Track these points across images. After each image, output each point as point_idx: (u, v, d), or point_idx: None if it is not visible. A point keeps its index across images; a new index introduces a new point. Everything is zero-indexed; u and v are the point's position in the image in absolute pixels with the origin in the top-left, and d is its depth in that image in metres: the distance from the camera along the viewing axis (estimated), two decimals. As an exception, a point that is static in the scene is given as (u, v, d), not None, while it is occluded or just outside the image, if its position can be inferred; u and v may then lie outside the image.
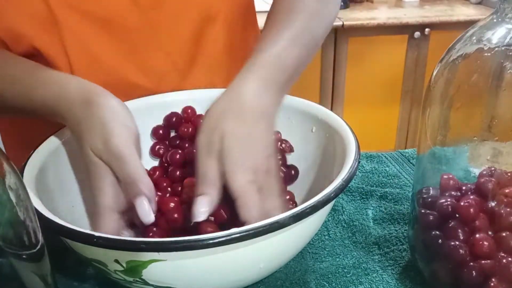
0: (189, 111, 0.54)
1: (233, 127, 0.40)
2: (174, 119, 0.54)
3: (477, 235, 0.36)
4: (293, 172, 0.51)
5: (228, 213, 0.40)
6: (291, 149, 0.52)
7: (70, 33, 0.53)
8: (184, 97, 0.56)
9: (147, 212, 0.38)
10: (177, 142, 0.53)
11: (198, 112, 0.55)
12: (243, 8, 0.63)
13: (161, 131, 0.54)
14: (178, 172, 0.50)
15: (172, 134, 0.55)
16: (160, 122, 0.54)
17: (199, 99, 0.55)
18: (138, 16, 0.55)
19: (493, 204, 0.36)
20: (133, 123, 0.42)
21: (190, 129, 0.53)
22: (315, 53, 0.53)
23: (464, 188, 0.39)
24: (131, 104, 0.51)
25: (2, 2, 0.50)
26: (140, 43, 0.57)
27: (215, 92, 0.55)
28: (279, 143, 0.52)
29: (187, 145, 0.52)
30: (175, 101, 0.55)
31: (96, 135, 0.40)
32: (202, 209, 0.38)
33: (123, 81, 0.56)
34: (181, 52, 0.59)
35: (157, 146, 0.54)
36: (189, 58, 0.60)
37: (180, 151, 0.51)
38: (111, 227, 0.39)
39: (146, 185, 0.39)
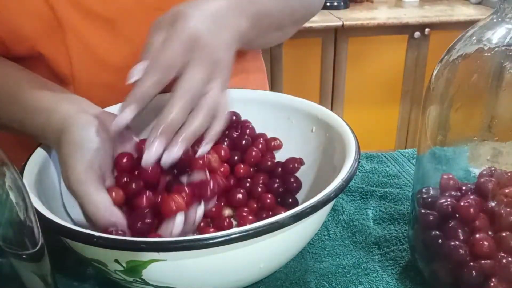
0: None
1: (191, 10, 0.42)
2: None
3: (477, 235, 0.36)
4: (295, 184, 0.51)
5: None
6: (280, 146, 0.53)
7: (73, 34, 0.53)
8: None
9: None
10: None
11: None
12: None
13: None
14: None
15: None
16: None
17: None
18: (142, 17, 0.55)
19: (493, 204, 0.36)
20: (98, 155, 0.40)
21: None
22: (285, 18, 0.55)
23: (464, 188, 0.39)
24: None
25: (3, 2, 0.50)
26: (143, 44, 0.57)
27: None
28: (271, 141, 0.52)
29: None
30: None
31: (62, 172, 0.40)
32: (138, 68, 0.40)
33: (123, 81, 0.56)
34: None
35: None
36: None
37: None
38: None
39: (107, 220, 0.38)
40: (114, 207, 0.38)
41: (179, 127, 0.39)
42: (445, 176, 0.40)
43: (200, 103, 0.40)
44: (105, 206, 0.38)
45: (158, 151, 0.39)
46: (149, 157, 0.39)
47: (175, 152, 0.39)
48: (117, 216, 0.38)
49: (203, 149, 0.41)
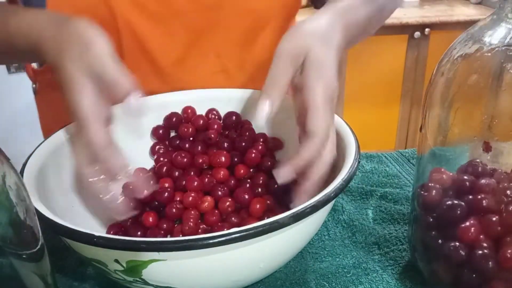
0: (189, 111, 0.54)
1: (320, 48, 0.41)
2: (174, 119, 0.54)
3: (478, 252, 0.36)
4: (278, 142, 0.53)
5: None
6: (281, 146, 0.53)
7: (127, 29, 0.54)
8: (184, 97, 0.56)
9: (138, 108, 0.39)
10: (177, 142, 0.53)
11: (198, 112, 0.55)
12: (289, 17, 0.64)
13: (161, 131, 0.54)
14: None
15: (172, 134, 0.55)
16: (160, 122, 0.54)
17: (199, 99, 0.55)
18: (196, 15, 0.56)
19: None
20: (110, 42, 0.41)
21: (190, 129, 0.53)
22: (381, 24, 0.56)
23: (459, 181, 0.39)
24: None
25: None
26: (194, 42, 0.58)
27: (216, 92, 0.56)
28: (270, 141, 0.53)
29: (187, 145, 0.52)
30: (175, 101, 0.55)
31: (74, 45, 0.40)
32: (264, 109, 0.40)
33: (172, 77, 0.57)
34: (231, 55, 0.60)
35: (157, 146, 0.54)
36: (238, 62, 0.61)
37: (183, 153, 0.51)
38: (101, 135, 0.39)
39: (131, 82, 0.39)
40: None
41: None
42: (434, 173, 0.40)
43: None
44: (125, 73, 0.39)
45: (289, 177, 0.40)
46: (282, 178, 0.40)
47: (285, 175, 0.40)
48: (134, 82, 0.39)
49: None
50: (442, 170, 0.40)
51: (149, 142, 0.54)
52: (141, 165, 0.51)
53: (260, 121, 0.40)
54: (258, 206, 0.45)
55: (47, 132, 0.67)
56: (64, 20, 0.42)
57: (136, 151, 0.52)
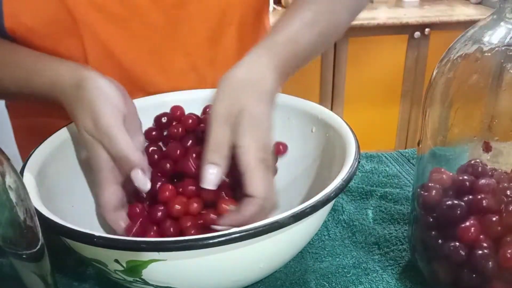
0: (178, 112, 0.53)
1: (253, 104, 0.41)
2: (164, 119, 0.52)
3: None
4: (281, 147, 0.51)
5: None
6: (285, 150, 0.52)
7: (89, 33, 0.53)
8: (184, 97, 0.56)
9: (143, 181, 0.42)
10: (170, 142, 0.53)
11: (187, 112, 0.54)
12: (257, 13, 0.64)
13: (154, 133, 0.52)
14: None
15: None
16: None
17: (200, 99, 0.55)
18: (159, 15, 0.55)
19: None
20: (120, 102, 0.43)
21: (180, 129, 0.51)
22: (334, 39, 0.54)
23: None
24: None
25: (17, 5, 0.50)
26: (160, 42, 0.57)
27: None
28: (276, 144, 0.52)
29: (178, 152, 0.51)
30: (174, 101, 0.55)
31: (86, 116, 0.42)
32: (213, 178, 0.40)
33: (141, 80, 0.57)
34: (200, 52, 0.60)
35: (151, 148, 0.51)
36: (207, 59, 0.61)
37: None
38: (112, 199, 0.42)
39: (137, 157, 0.41)
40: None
41: None
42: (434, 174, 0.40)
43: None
44: (133, 146, 0.41)
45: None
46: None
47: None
48: (141, 157, 0.42)
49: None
50: (442, 170, 0.40)
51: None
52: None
53: (211, 187, 0.40)
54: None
55: (21, 144, 0.68)
56: (80, 82, 0.43)
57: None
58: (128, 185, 0.43)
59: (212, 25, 0.59)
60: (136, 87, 0.57)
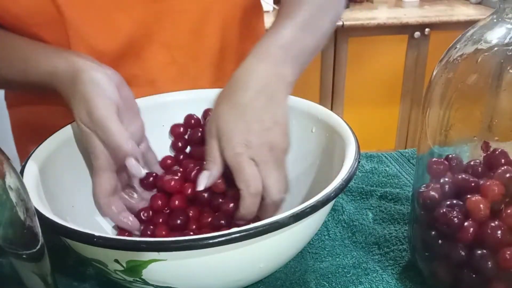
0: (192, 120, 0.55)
1: (224, 109, 0.45)
2: (192, 121, 0.55)
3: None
4: None
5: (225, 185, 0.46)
6: None
7: (72, 25, 0.53)
8: (185, 97, 0.56)
9: (136, 168, 0.44)
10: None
11: (186, 112, 0.55)
12: (245, 12, 0.64)
13: (181, 129, 0.55)
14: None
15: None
16: (160, 122, 0.55)
17: (200, 99, 0.55)
18: (141, 8, 0.55)
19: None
20: (114, 93, 0.45)
21: (199, 134, 0.53)
22: (322, 44, 0.55)
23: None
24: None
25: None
26: (141, 36, 0.57)
27: (218, 92, 0.56)
28: None
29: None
30: (174, 101, 0.55)
31: (82, 109, 0.43)
32: (202, 181, 0.44)
33: (122, 72, 0.57)
34: (181, 46, 0.60)
35: (179, 143, 0.55)
36: (189, 53, 0.61)
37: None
38: (106, 185, 0.44)
39: (130, 146, 0.43)
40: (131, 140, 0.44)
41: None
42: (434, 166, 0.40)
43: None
44: (127, 136, 0.43)
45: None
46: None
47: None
48: (134, 146, 0.43)
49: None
50: (442, 168, 0.40)
51: (150, 139, 0.53)
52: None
53: (200, 188, 0.44)
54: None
55: (20, 143, 0.68)
56: (75, 74, 0.45)
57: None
58: (122, 174, 0.47)
59: (194, 19, 0.60)
60: None
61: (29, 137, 0.48)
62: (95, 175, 0.45)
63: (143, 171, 0.45)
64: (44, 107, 0.60)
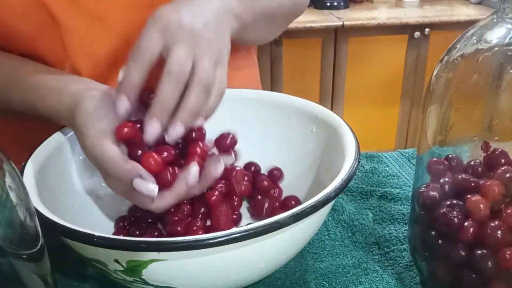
0: None
1: (183, 12, 0.43)
2: None
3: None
4: (276, 172, 0.53)
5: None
6: (281, 176, 0.53)
7: (68, 31, 0.53)
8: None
9: (146, 188, 0.40)
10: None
11: None
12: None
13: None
14: None
15: None
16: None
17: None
18: (134, 13, 0.55)
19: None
20: (104, 121, 0.42)
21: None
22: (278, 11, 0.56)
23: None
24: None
25: None
26: (134, 40, 0.57)
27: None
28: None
29: None
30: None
31: (80, 143, 0.43)
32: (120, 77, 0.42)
33: (117, 76, 0.57)
34: None
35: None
36: None
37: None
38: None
39: (129, 170, 0.40)
40: (127, 158, 0.41)
41: (175, 104, 0.41)
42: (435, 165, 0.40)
43: (191, 79, 0.41)
44: (121, 157, 0.40)
45: (156, 129, 0.40)
46: (149, 136, 0.40)
47: (176, 131, 0.40)
48: (133, 164, 0.40)
49: (197, 122, 0.42)
50: (442, 168, 0.40)
51: None
52: None
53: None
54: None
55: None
56: (74, 109, 0.44)
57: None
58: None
59: None
60: (113, 84, 0.58)
61: (16, 147, 0.48)
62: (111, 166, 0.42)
63: (152, 186, 0.40)
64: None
